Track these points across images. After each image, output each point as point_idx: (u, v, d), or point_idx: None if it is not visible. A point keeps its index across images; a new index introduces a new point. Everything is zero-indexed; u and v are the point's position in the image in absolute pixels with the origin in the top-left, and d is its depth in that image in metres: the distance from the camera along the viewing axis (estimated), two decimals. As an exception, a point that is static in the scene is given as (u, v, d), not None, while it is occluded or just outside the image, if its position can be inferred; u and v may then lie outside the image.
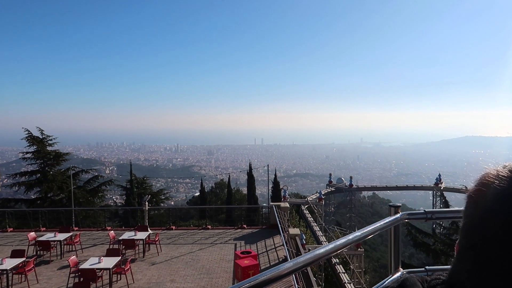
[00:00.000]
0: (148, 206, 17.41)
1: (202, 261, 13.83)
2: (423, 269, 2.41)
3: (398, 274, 2.28)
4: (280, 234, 16.36)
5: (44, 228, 18.22)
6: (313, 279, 13.29)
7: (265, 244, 15.60)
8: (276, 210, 17.27)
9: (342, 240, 1.75)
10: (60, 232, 15.00)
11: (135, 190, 39.13)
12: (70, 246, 14.62)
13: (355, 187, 33.12)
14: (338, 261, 17.04)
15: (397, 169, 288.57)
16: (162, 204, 42.80)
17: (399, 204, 2.25)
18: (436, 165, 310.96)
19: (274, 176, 47.68)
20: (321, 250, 1.57)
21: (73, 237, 14.76)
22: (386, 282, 2.15)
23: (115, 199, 49.24)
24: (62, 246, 14.18)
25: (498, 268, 0.58)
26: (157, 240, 14.62)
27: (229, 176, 50.17)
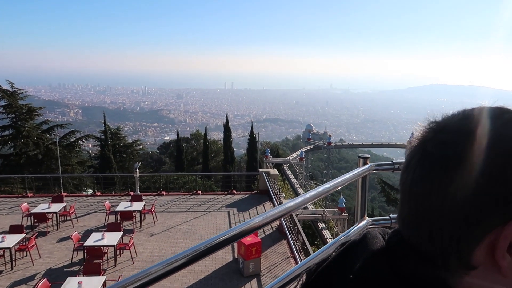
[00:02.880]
0: (139, 173, 17.43)
1: (199, 231, 14.32)
2: (388, 217, 2.60)
3: (363, 223, 2.37)
4: (270, 201, 17.02)
5: (31, 194, 17.99)
6: (303, 234, 14.31)
7: (257, 212, 16.20)
8: (266, 178, 17.76)
9: (312, 193, 1.75)
10: (53, 202, 14.93)
11: (109, 141, 38.59)
12: (65, 216, 14.65)
13: (333, 144, 34.09)
14: (324, 226, 18.06)
15: (364, 115, 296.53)
16: (135, 155, 42.65)
17: (367, 155, 2.28)
18: (401, 112, 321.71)
19: (250, 129, 48.02)
20: (290, 204, 1.57)
21: (67, 208, 14.77)
22: (352, 230, 2.30)
23: (89, 151, 48.38)
24: (58, 217, 14.20)
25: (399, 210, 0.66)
26: (153, 210, 14.89)
27: (206, 128, 50.02)
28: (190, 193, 18.70)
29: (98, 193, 18.36)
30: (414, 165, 0.63)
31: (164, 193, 18.38)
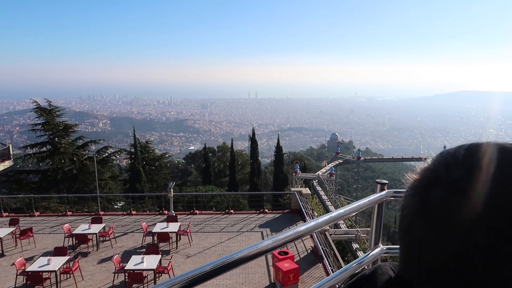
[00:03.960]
0: (173, 193, 17.76)
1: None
2: None
3: (377, 250, 2.34)
4: (303, 221, 16.97)
5: (71, 213, 18.60)
6: (339, 256, 14.20)
7: (290, 232, 16.18)
8: (298, 197, 17.76)
9: (325, 218, 1.74)
10: (92, 222, 15.40)
11: (138, 154, 39.48)
12: (104, 236, 15.08)
13: (362, 159, 33.73)
14: (358, 246, 17.85)
15: (390, 123, 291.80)
16: (164, 167, 43.41)
17: (385, 181, 2.23)
18: (429, 119, 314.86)
19: (277, 141, 48.01)
20: (302, 228, 1.56)
21: (106, 228, 15.20)
22: (366, 257, 2.28)
23: (119, 163, 49.62)
24: (98, 237, 14.63)
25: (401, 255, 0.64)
26: (188, 232, 15.12)
27: (232, 140, 50.50)
28: (223, 212, 18.87)
29: (134, 212, 18.80)
30: (420, 229, 0.60)
31: (197, 212, 18.63)
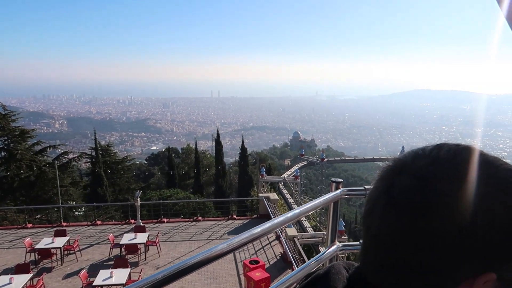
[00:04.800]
0: (140, 201, 17.45)
1: (204, 261, 14.42)
2: (359, 242, 2.73)
3: (334, 247, 2.36)
4: (271, 226, 17.21)
5: (31, 225, 17.86)
6: (307, 260, 14.48)
7: (260, 239, 16.36)
8: (266, 203, 18.00)
9: (280, 218, 1.73)
10: (56, 235, 14.87)
11: (100, 157, 38.44)
12: (69, 250, 14.61)
13: (326, 160, 34.57)
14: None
15: (350, 121, 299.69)
16: (125, 170, 42.31)
17: (340, 180, 2.28)
18: (386, 117, 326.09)
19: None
20: (257, 229, 1.54)
21: (71, 241, 14.74)
22: (323, 255, 2.32)
23: (79, 167, 47.92)
24: (62, 251, 14.16)
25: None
26: (157, 242, 14.95)
27: (196, 142, 50.22)
28: (191, 219, 18.78)
29: (99, 222, 18.33)
30: (380, 212, 0.61)
31: (165, 220, 18.44)
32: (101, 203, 25.98)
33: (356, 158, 44.74)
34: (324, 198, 2.12)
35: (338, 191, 2.23)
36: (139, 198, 17.33)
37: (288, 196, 26.37)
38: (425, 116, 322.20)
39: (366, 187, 2.21)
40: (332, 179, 2.31)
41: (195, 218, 18.75)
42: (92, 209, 30.65)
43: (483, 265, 0.57)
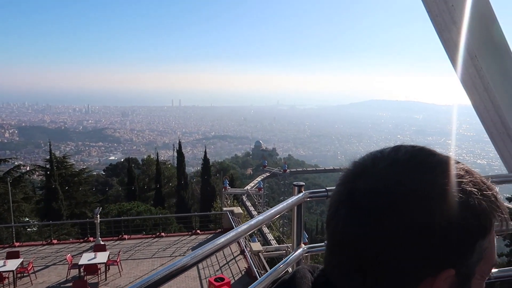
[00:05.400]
0: (100, 218, 16.86)
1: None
2: (324, 244, 2.72)
3: (299, 251, 2.38)
4: (236, 240, 17.14)
5: (-21, 246, 16.76)
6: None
7: (224, 254, 16.27)
8: (230, 217, 17.94)
9: (244, 226, 1.71)
10: (7, 258, 14.03)
11: (55, 170, 36.79)
12: (22, 272, 13.84)
13: (288, 171, 35.02)
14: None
15: (310, 130, 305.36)
16: (82, 183, 40.71)
17: (302, 183, 2.30)
18: (345, 126, 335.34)
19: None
20: (221, 240, 1.52)
21: (25, 264, 13.97)
22: (289, 258, 2.32)
23: (31, 179, 45.58)
24: (15, 275, 13.39)
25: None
26: (118, 261, 14.48)
27: (157, 154, 49.28)
28: (153, 235, 18.36)
29: (55, 241, 17.50)
30: (344, 216, 0.63)
31: (126, 237, 17.91)
32: (57, 221, 24.73)
33: (317, 168, 45.73)
34: (288, 202, 2.12)
35: (301, 194, 2.24)
36: (98, 215, 16.76)
37: (251, 208, 26.44)
38: (381, 125, 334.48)
39: (327, 188, 2.24)
40: (294, 182, 2.31)
41: (157, 234, 18.35)
42: (47, 226, 29.28)
43: (443, 262, 0.59)
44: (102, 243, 16.08)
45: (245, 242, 16.32)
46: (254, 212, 25.94)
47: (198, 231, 18.52)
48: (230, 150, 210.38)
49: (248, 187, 29.72)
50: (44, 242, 17.48)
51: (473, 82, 3.16)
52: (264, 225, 24.67)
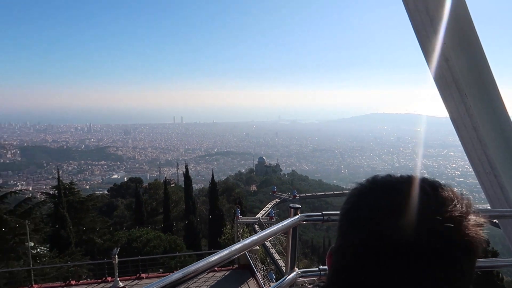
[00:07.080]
0: (118, 258, 16.83)
1: (190, 324, 14.04)
2: (317, 269, 2.58)
3: (293, 274, 2.34)
4: (254, 278, 17.06)
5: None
6: None
7: (242, 292, 16.18)
8: (248, 254, 17.86)
9: (238, 246, 1.73)
10: (29, 304, 14.03)
11: (63, 198, 36.91)
12: (44, 320, 13.80)
13: (298, 197, 35.11)
14: None
15: (312, 145, 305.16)
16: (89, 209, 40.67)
17: (298, 206, 2.30)
18: (347, 140, 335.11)
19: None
20: (214, 257, 1.56)
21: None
22: (282, 282, 2.28)
23: (41, 212, 45.58)
24: (37, 323, 13.35)
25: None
26: (139, 305, 14.44)
27: (165, 179, 49.40)
28: (170, 273, 18.24)
29: (73, 282, 17.45)
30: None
31: (144, 276, 17.83)
32: (73, 262, 24.57)
33: (326, 193, 45.75)
34: (283, 224, 2.12)
35: (297, 217, 2.23)
36: (116, 256, 16.73)
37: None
38: (383, 139, 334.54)
39: (323, 212, 2.25)
40: (291, 205, 2.30)
41: (175, 272, 18.22)
42: (57, 255, 29.14)
43: None
44: (121, 284, 16.04)
45: (263, 280, 16.24)
46: (268, 243, 25.88)
47: (216, 268, 18.41)
48: (233, 166, 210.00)
49: (259, 215, 29.72)
50: (62, 284, 17.43)
51: (462, 120, 3.25)
52: (275, 252, 24.58)
